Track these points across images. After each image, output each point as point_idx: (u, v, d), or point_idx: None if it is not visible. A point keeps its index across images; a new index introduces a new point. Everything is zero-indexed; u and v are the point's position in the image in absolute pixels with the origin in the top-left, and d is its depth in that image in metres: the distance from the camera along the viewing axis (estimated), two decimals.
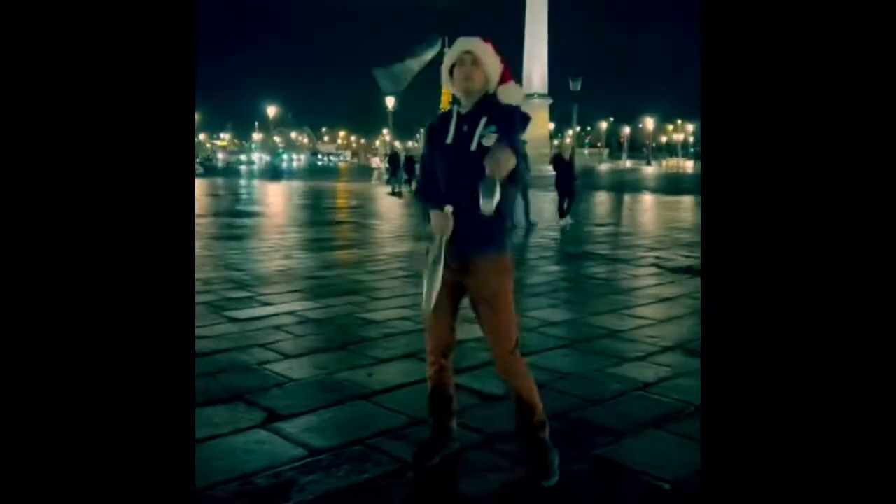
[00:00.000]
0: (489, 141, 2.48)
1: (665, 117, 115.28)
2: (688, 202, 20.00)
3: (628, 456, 2.89)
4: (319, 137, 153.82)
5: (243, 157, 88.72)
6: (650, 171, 55.13)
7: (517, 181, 2.46)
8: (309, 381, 3.87)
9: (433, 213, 2.58)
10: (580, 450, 2.94)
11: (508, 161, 2.32)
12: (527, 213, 12.12)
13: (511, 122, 2.53)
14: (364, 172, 45.52)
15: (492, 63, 2.59)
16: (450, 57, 2.63)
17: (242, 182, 34.39)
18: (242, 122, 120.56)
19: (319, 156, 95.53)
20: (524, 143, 2.90)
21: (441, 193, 2.60)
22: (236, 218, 14.30)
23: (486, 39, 2.64)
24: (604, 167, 44.59)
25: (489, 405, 3.45)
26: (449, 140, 2.59)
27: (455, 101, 2.66)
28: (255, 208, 17.59)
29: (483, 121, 2.53)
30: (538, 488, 2.63)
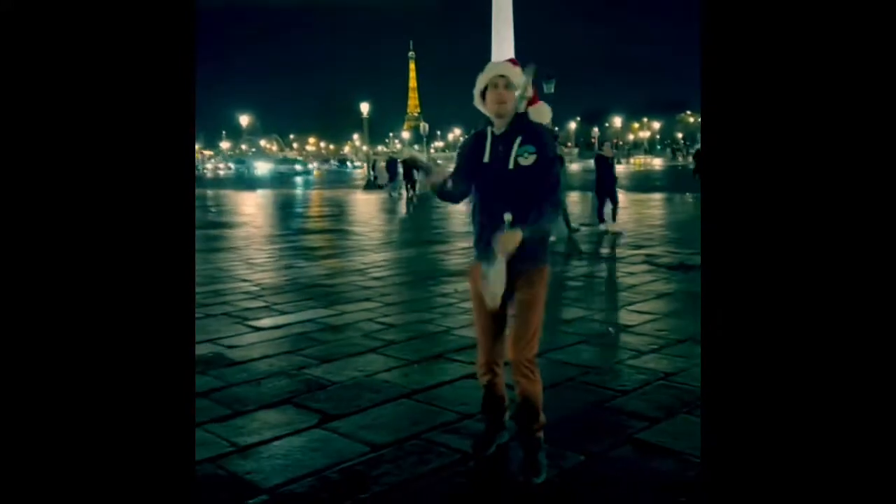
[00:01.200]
0: (527, 161, 2.67)
1: (631, 116, 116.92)
2: (662, 199, 20.47)
3: (666, 438, 3.14)
4: (288, 144, 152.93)
5: (209, 166, 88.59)
6: (620, 169, 55.90)
7: (556, 203, 2.72)
8: (349, 383, 4.06)
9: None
10: (622, 435, 3.19)
11: (510, 244, 2.55)
12: (567, 221, 10.76)
13: (545, 141, 2.73)
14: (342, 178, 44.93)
15: (522, 84, 2.77)
16: (482, 79, 2.77)
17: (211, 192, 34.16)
18: (212, 132, 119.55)
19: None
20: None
21: (479, 213, 2.80)
22: (227, 229, 14.34)
23: (514, 62, 2.83)
24: (575, 167, 45.09)
25: None
26: (486, 159, 2.75)
27: (487, 121, 2.80)
28: (240, 219, 17.61)
29: (518, 140, 2.70)
30: (590, 473, 2.86)
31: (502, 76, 2.72)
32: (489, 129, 2.80)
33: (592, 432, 3.24)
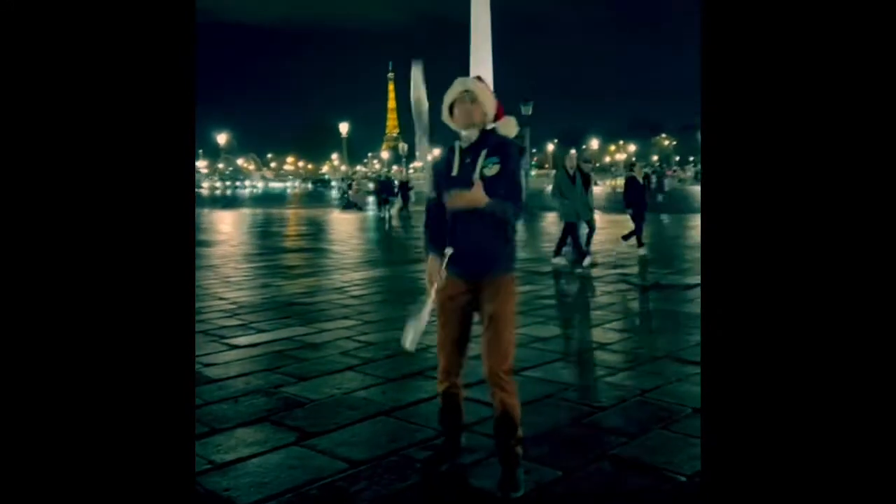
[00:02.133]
0: (491, 171, 2.77)
1: (608, 138, 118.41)
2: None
3: (643, 454, 3.17)
4: (266, 164, 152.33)
5: (205, 185, 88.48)
6: (597, 190, 56.47)
7: (518, 206, 2.79)
8: (326, 401, 4.04)
9: (430, 258, 2.89)
10: (599, 451, 3.22)
11: (469, 199, 2.70)
12: (588, 242, 10.36)
13: (509, 153, 2.82)
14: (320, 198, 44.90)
15: (488, 100, 2.87)
16: (449, 95, 2.89)
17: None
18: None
19: (239, 181, 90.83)
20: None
21: (447, 227, 2.87)
22: (202, 247, 14.23)
23: (479, 79, 2.94)
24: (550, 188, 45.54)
25: None
26: (454, 172, 2.85)
27: (455, 136, 2.92)
28: (217, 237, 17.49)
29: (483, 153, 2.81)
30: (568, 488, 2.89)
31: (468, 91, 2.84)
32: (457, 144, 2.91)
33: (570, 448, 3.26)
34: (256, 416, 3.77)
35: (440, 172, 2.94)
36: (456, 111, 2.86)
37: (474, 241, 2.80)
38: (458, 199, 2.73)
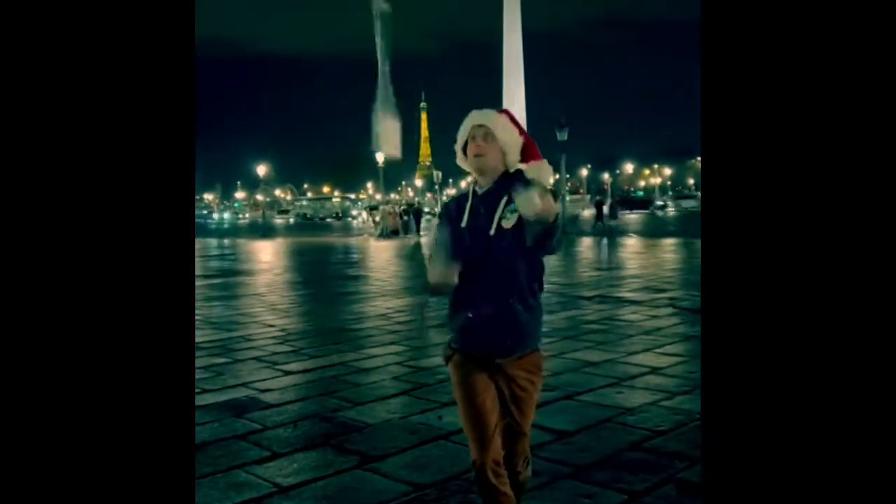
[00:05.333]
0: (509, 222, 2.20)
1: (643, 162, 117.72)
2: (676, 244, 20.49)
3: None
4: (303, 193, 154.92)
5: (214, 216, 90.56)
6: (633, 216, 56.10)
7: (547, 250, 2.22)
8: (384, 425, 4.08)
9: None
10: (664, 474, 3.19)
11: (539, 204, 2.00)
12: None
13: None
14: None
15: (509, 137, 2.28)
16: (462, 133, 2.35)
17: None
18: (227, 182, 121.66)
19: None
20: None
21: (460, 289, 2.27)
22: (245, 276, 14.50)
23: (501, 111, 2.36)
24: (587, 213, 45.30)
25: (565, 439, 3.70)
26: (464, 224, 2.28)
27: (467, 176, 2.43)
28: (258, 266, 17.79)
29: (504, 201, 2.22)
30: None
31: (480, 126, 2.29)
32: (472, 188, 2.35)
33: (633, 472, 3.24)
34: (316, 441, 3.82)
35: (448, 222, 2.34)
36: (468, 150, 2.31)
37: (497, 308, 2.21)
38: (536, 204, 2.00)
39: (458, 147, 2.36)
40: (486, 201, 2.26)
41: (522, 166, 2.33)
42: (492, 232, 2.21)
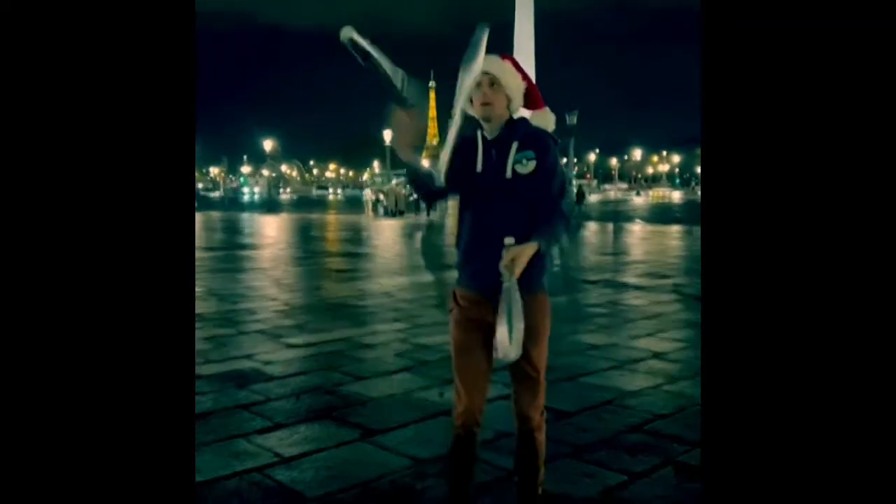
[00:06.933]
0: (526, 168, 2.27)
1: (651, 149, 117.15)
2: (682, 231, 20.43)
3: None
4: (308, 171, 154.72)
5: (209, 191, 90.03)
6: (640, 201, 55.94)
7: (564, 216, 2.30)
8: (386, 400, 4.10)
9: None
10: (664, 457, 3.20)
11: (523, 257, 2.13)
12: None
13: (546, 146, 2.31)
14: None
15: (513, 82, 2.34)
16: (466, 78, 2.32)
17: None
18: (233, 156, 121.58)
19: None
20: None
21: (460, 231, 2.38)
22: (249, 250, 14.53)
23: (504, 56, 2.37)
24: (594, 198, 45.20)
25: (566, 420, 3.71)
26: (479, 168, 2.33)
27: (478, 125, 2.41)
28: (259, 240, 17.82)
29: (515, 146, 2.30)
30: (634, 491, 2.88)
31: (486, 73, 2.30)
32: (479, 133, 2.37)
33: (633, 454, 3.25)
34: (319, 413, 3.84)
35: (456, 164, 2.32)
36: (474, 96, 2.32)
37: (498, 249, 2.17)
38: (512, 263, 2.12)
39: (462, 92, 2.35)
40: (497, 147, 2.32)
41: (527, 114, 2.42)
42: (508, 175, 2.28)
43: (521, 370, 2.36)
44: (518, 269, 2.13)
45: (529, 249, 2.15)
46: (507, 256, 2.12)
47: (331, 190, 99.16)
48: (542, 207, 2.27)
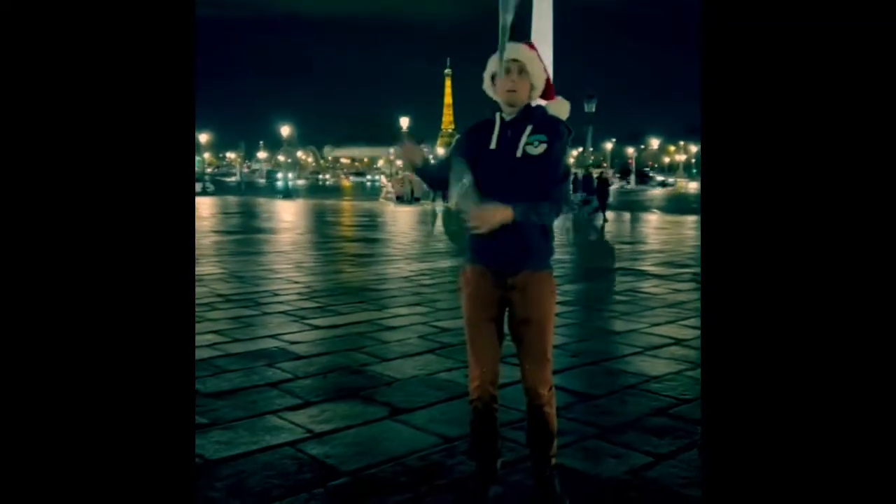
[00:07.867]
0: (537, 150, 2.39)
1: (668, 139, 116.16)
2: (699, 221, 20.31)
3: None
4: (324, 157, 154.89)
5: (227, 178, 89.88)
6: (657, 192, 55.55)
7: (561, 199, 2.43)
8: (411, 380, 4.16)
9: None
10: (689, 440, 3.24)
11: (489, 217, 2.30)
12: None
13: (559, 133, 2.42)
14: None
15: (538, 72, 2.47)
16: (493, 63, 2.50)
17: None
18: (251, 142, 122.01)
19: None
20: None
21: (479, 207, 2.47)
22: (270, 234, 14.64)
23: (531, 46, 2.49)
24: (611, 187, 44.94)
25: (591, 402, 3.76)
26: (493, 146, 2.45)
27: (495, 107, 2.54)
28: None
29: (528, 129, 2.42)
30: (661, 471, 2.92)
31: (515, 60, 2.43)
32: (498, 115, 2.50)
33: (659, 436, 3.29)
34: (346, 392, 3.91)
35: (472, 142, 2.50)
36: (499, 81, 2.44)
37: (506, 230, 2.32)
38: (480, 220, 2.30)
39: (487, 75, 2.54)
40: (513, 127, 2.45)
41: (543, 102, 2.56)
42: (518, 154, 2.40)
43: (528, 348, 2.48)
44: (484, 225, 2.30)
45: (501, 212, 2.29)
46: (481, 209, 2.30)
47: (368, 177, 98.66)
48: (541, 187, 2.38)
